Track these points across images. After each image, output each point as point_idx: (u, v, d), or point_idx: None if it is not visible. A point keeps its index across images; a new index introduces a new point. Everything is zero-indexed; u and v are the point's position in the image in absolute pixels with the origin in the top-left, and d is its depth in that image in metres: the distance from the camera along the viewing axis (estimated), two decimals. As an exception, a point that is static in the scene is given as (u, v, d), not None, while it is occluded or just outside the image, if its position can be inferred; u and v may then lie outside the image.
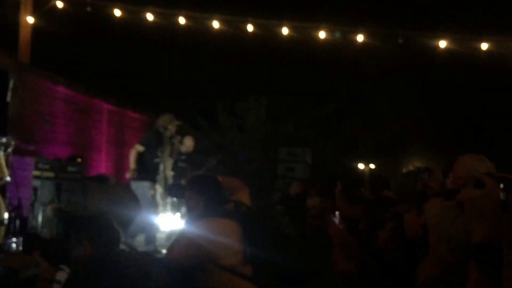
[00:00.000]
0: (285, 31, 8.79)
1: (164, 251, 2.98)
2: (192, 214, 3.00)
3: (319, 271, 3.17)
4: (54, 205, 6.45)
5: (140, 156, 6.14)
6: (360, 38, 8.58)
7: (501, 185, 1.42)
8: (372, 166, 21.58)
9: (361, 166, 20.85)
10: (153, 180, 6.13)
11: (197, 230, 2.81)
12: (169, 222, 6.62)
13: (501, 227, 1.38)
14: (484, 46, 8.10)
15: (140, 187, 6.11)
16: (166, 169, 6.24)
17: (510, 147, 18.38)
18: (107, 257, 2.27)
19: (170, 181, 6.37)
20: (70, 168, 7.26)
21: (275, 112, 14.30)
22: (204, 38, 9.46)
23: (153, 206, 6.08)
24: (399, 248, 3.15)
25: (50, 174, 6.75)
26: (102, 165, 9.89)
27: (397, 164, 21.20)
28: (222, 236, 2.78)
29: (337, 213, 3.01)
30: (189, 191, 3.03)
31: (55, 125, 8.43)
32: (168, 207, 6.66)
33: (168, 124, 6.34)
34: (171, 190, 6.41)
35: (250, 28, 8.75)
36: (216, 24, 8.77)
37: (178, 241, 2.81)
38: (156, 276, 2.26)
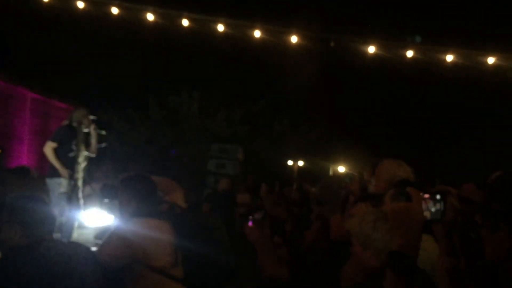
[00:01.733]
0: (220, 27, 8.79)
1: (93, 248, 2.89)
2: (124, 213, 2.94)
3: (243, 275, 3.23)
4: None
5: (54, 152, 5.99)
6: (294, 39, 8.76)
7: (438, 196, 1.53)
8: (300, 163, 22.08)
9: (290, 163, 21.26)
10: (70, 176, 5.98)
11: (129, 229, 2.77)
12: (95, 218, 6.44)
13: (418, 238, 1.50)
14: (410, 53, 8.55)
15: (52, 184, 5.95)
16: (80, 163, 6.07)
17: (438, 147, 19.57)
18: (37, 245, 2.16)
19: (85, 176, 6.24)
20: (-12, 159, 6.87)
21: (207, 107, 14.25)
22: (137, 29, 9.24)
23: (64, 202, 5.90)
24: (324, 249, 3.27)
25: (-35, 166, 6.35)
26: (24, 157, 9.41)
27: (325, 162, 21.86)
28: (153, 236, 2.76)
29: (257, 214, 3.03)
30: (122, 190, 2.97)
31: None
32: (87, 202, 6.47)
33: (82, 118, 6.18)
34: (104, 190, 6.30)
35: (185, 22, 8.67)
36: (150, 17, 8.60)
37: (108, 240, 2.75)
38: (84, 273, 2.20)
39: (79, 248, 2.42)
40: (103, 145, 6.50)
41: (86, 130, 6.16)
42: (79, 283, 2.10)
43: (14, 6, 7.84)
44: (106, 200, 6.47)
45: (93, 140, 6.27)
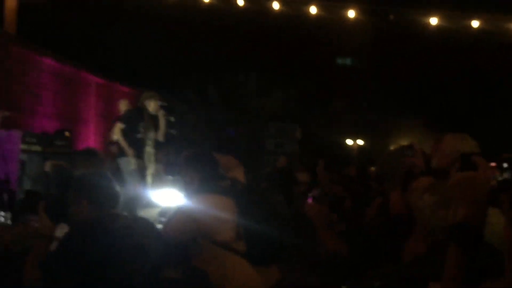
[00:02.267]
0: (275, 5, 8.71)
1: (159, 226, 3.00)
2: (188, 190, 3.02)
3: (303, 250, 3.22)
4: (54, 161, 6.44)
5: (123, 132, 6.26)
6: (351, 13, 8.54)
7: (505, 165, 1.45)
8: (360, 142, 21.69)
9: (349, 142, 20.94)
10: (137, 155, 6.23)
11: (193, 205, 2.85)
12: (161, 197, 6.65)
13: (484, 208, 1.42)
14: (475, 23, 8.12)
15: (122, 162, 6.25)
16: (147, 145, 6.32)
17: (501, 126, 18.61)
18: (103, 219, 2.26)
19: (152, 157, 6.46)
20: (57, 142, 7.21)
21: (264, 87, 14.26)
22: (195, 12, 9.34)
23: (134, 180, 6.18)
24: (384, 225, 3.21)
25: (37, 148, 6.71)
26: (90, 139, 9.84)
27: (386, 141, 21.34)
28: (217, 212, 2.82)
29: (315, 191, 3.04)
30: (185, 167, 3.04)
31: (42, 98, 8.34)
32: (157, 182, 6.71)
33: (148, 100, 6.36)
34: (167, 168, 6.55)
35: (240, 2, 8.66)
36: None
37: (174, 216, 2.85)
38: (149, 246, 2.27)
39: (144, 222, 2.49)
40: (173, 131, 6.74)
41: (153, 112, 6.35)
42: (143, 255, 2.17)
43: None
44: (169, 178, 6.70)
45: (162, 125, 6.47)
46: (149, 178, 6.42)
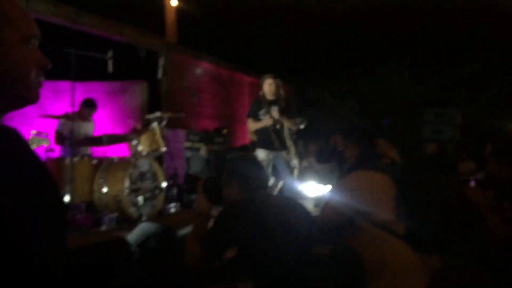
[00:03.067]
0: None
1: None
2: (343, 167, 2.93)
3: (468, 239, 2.95)
4: (209, 146, 6.87)
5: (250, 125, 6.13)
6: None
7: None
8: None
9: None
10: (263, 145, 5.98)
11: (349, 182, 2.75)
12: (313, 189, 6.67)
13: None
14: None
15: (257, 154, 6.02)
16: (276, 133, 5.92)
17: None
18: (253, 198, 2.36)
19: (292, 149, 6.08)
20: (217, 139, 7.73)
21: (419, 72, 13.46)
22: (339, 2, 9.23)
23: (271, 172, 6.00)
24: None
25: (199, 145, 7.27)
26: (245, 136, 10.35)
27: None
28: (374, 190, 2.68)
29: (479, 174, 2.74)
30: (343, 140, 2.95)
31: (201, 99, 9.02)
32: (304, 174, 6.64)
33: (263, 85, 6.04)
34: (319, 154, 6.27)
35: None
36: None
37: (329, 201, 2.77)
38: (297, 223, 2.28)
39: (292, 201, 2.54)
40: (302, 126, 6.28)
41: (271, 97, 5.97)
42: (292, 231, 2.20)
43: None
44: (320, 167, 6.58)
45: (288, 110, 6.03)
46: (293, 170, 6.14)
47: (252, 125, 6.09)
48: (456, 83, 13.15)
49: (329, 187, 6.12)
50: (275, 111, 5.94)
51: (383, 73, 13.71)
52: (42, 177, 1.14)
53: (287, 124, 6.02)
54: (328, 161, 3.54)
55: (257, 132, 6.09)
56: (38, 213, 1.03)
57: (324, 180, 6.82)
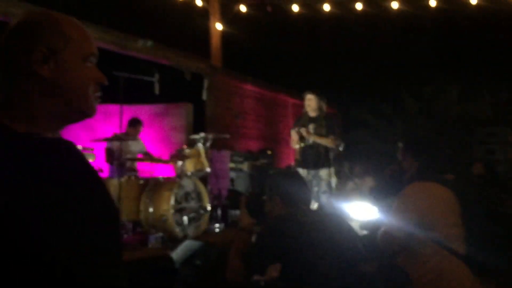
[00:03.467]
0: (473, 0, 8.00)
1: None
2: (403, 178, 2.83)
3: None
4: (252, 161, 6.87)
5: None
6: None
7: None
8: None
9: None
10: (304, 166, 5.91)
11: (408, 193, 2.65)
12: (360, 211, 6.50)
13: None
14: None
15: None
16: (313, 150, 5.82)
17: None
18: (295, 213, 2.33)
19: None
20: (261, 160, 7.74)
21: (468, 91, 13.07)
22: (382, 22, 9.17)
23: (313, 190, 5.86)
24: None
25: (243, 166, 7.29)
26: (290, 157, 10.31)
27: None
28: (439, 202, 2.56)
29: None
30: (404, 152, 2.87)
31: (246, 120, 9.09)
32: (350, 195, 6.51)
33: (304, 101, 6.05)
34: (373, 192, 6.06)
35: (432, 3, 8.20)
36: (395, 5, 8.43)
37: (397, 206, 2.65)
38: (342, 242, 2.22)
39: (336, 218, 2.50)
40: (341, 148, 6.12)
41: (312, 114, 5.94)
42: (335, 248, 2.16)
43: (270, 22, 8.72)
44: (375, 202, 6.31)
45: (328, 128, 5.92)
46: (325, 190, 5.93)
47: (293, 144, 6.09)
48: (507, 101, 12.68)
49: (377, 210, 5.96)
50: (309, 128, 5.90)
51: (430, 93, 13.42)
52: (96, 186, 1.20)
53: (322, 142, 5.92)
54: (387, 196, 3.43)
55: (298, 151, 6.07)
56: (93, 220, 1.09)
57: (371, 202, 6.65)
